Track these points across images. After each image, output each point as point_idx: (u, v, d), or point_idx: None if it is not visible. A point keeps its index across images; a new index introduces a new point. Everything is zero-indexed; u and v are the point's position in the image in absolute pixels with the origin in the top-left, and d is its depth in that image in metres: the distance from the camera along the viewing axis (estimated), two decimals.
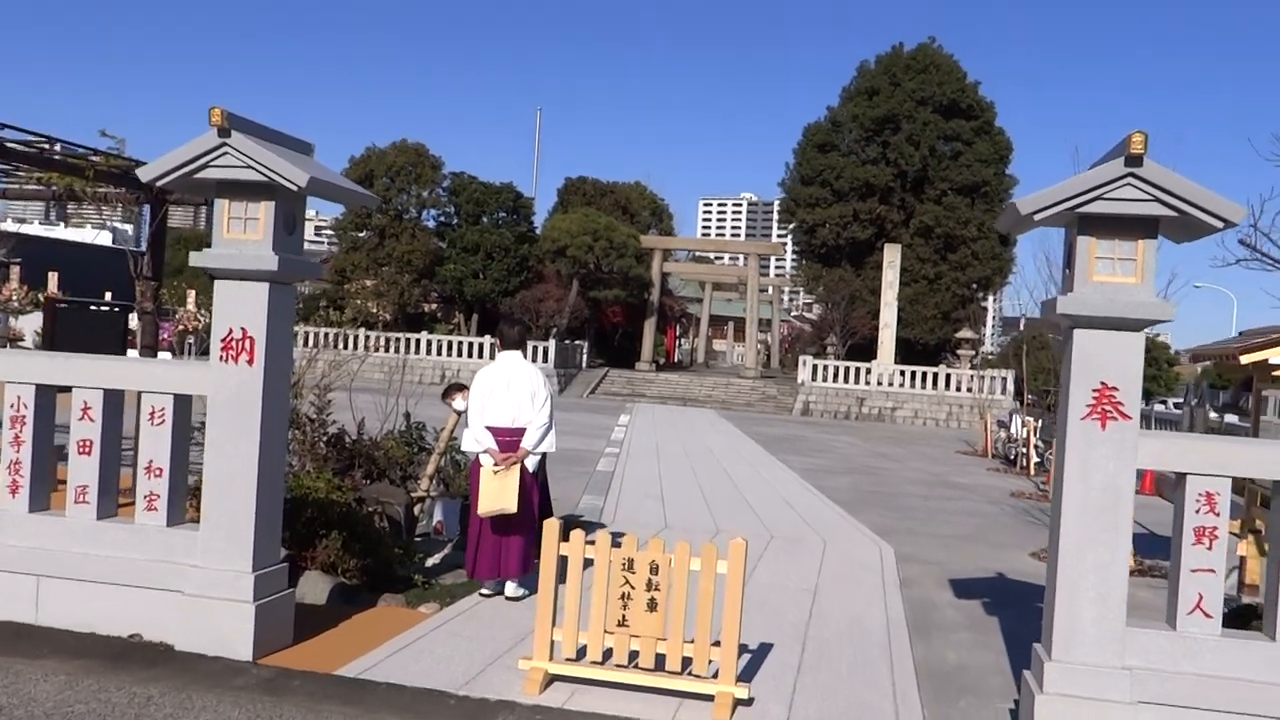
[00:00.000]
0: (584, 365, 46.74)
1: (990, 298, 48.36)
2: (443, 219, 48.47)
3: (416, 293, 47.07)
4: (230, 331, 5.99)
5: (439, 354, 43.10)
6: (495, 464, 7.62)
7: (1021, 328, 67.06)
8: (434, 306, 50.85)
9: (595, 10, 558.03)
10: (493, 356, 43.11)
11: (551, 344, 42.89)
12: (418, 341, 43.24)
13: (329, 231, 51.98)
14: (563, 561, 5.88)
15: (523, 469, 7.71)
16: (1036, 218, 4.94)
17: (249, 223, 5.99)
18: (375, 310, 46.68)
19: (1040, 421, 24.47)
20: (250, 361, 5.96)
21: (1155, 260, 5.00)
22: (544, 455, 8.13)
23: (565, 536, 5.84)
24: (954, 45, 70.05)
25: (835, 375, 40.31)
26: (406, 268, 45.92)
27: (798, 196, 48.33)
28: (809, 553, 10.66)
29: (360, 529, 7.60)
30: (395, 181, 46.41)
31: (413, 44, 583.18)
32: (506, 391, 7.78)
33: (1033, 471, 22.38)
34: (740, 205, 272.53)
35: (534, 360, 42.31)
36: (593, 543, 5.73)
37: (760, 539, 11.25)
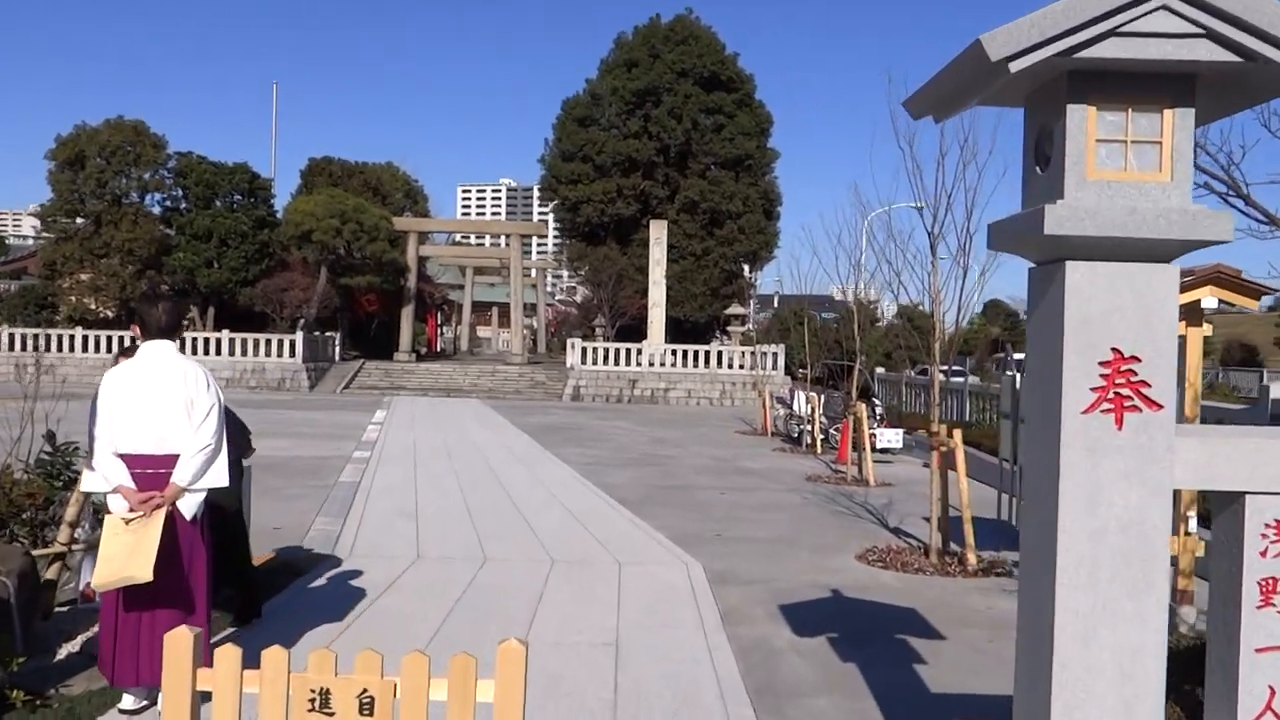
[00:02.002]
0: (337, 358, 43.16)
1: (757, 273, 47.70)
2: (169, 204, 43.61)
3: (142, 285, 42.15)
4: None
5: None
6: (130, 510, 5.07)
7: (776, 304, 67.13)
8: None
9: None
10: (233, 352, 39.07)
11: (299, 336, 39.19)
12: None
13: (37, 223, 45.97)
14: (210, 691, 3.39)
15: (176, 518, 5.15)
16: (1013, 66, 2.84)
17: None
18: (95, 307, 41.61)
19: (823, 397, 23.30)
20: None
21: (1190, 144, 3.00)
22: (237, 492, 5.64)
23: (209, 654, 3.35)
24: (710, 18, 69.43)
25: (605, 357, 38.50)
26: (129, 258, 41.01)
27: (559, 173, 46.20)
28: (602, 581, 8.46)
29: None
30: (111, 163, 41.27)
31: (125, 13, 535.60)
32: (149, 402, 5.19)
33: (820, 450, 21.11)
34: (500, 191, 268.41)
35: (279, 355, 38.52)
36: (257, 667, 3.27)
37: (539, 566, 8.97)
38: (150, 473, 5.10)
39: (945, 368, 10.31)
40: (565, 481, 14.89)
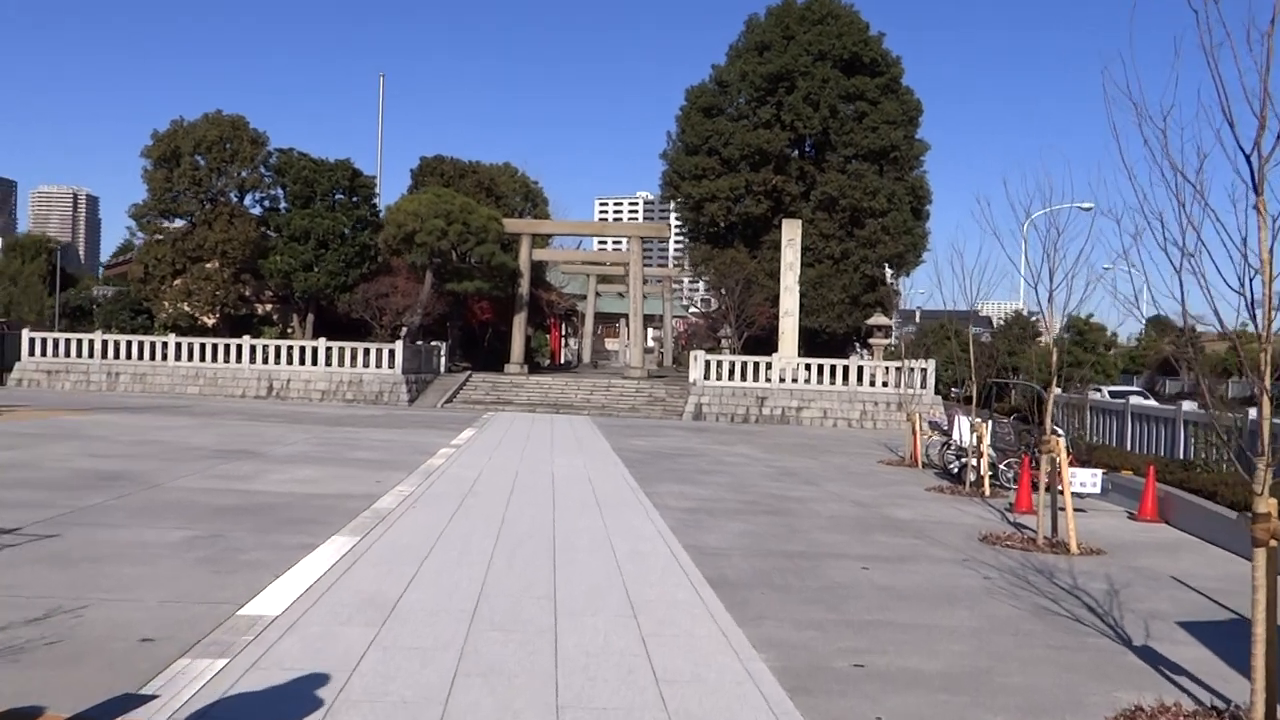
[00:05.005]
0: (442, 369, 40.07)
1: (903, 278, 42.72)
2: (267, 203, 41.19)
3: (238, 290, 39.71)
4: None
5: (264, 361, 36.06)
6: None
7: (918, 319, 60.41)
8: (268, 307, 43.58)
9: None
10: (329, 362, 36.20)
11: (400, 346, 36.16)
12: (238, 348, 36.10)
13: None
14: None
15: None
16: None
17: None
18: (190, 312, 39.34)
19: (991, 424, 18.64)
20: None
21: None
22: None
23: None
24: None
25: (731, 372, 34.35)
26: (224, 261, 38.59)
27: (681, 168, 42.15)
28: None
29: None
30: (208, 159, 39.03)
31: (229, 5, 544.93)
32: None
33: (988, 491, 16.61)
34: (636, 204, 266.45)
35: (378, 365, 35.57)
36: None
37: None
38: None
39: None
40: (646, 544, 10.78)
